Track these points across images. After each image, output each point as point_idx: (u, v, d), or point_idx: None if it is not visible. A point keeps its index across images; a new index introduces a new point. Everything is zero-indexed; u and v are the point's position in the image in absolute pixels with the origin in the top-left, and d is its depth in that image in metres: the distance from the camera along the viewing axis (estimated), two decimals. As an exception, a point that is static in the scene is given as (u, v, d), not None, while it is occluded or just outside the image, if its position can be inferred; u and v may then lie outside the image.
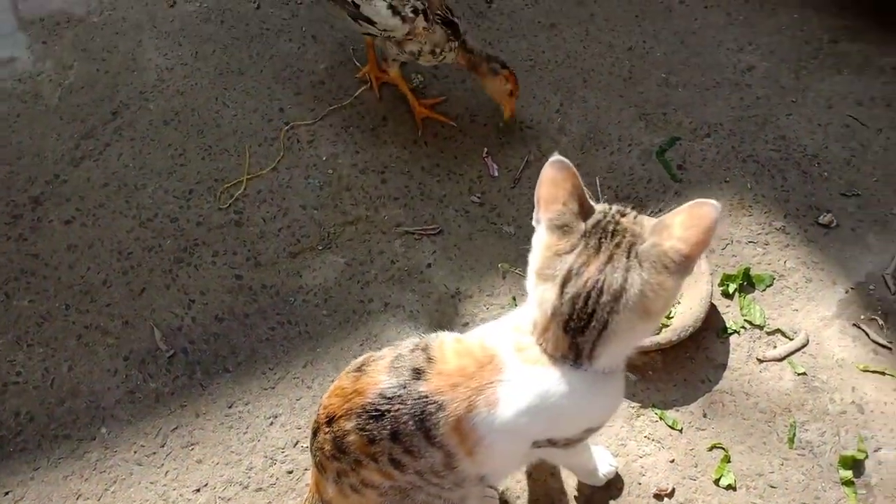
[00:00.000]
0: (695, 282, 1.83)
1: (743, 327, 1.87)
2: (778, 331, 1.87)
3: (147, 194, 2.10)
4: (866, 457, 1.71)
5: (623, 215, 1.16)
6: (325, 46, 2.37)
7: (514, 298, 1.92)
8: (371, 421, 1.21)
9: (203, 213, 2.07)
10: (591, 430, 1.32)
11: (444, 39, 1.99)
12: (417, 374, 1.21)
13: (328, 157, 2.16)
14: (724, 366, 1.83)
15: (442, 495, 1.30)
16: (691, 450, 1.72)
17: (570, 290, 1.12)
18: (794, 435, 1.74)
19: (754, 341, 1.86)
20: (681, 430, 1.75)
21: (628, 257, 1.11)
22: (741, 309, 1.90)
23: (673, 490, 1.68)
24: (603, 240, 1.12)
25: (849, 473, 1.68)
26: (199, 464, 1.73)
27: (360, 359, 1.31)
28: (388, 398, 1.21)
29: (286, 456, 1.73)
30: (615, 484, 1.67)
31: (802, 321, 1.89)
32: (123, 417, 1.79)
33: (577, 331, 1.13)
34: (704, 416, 1.77)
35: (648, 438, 1.74)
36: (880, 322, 1.88)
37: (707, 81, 2.30)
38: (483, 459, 1.23)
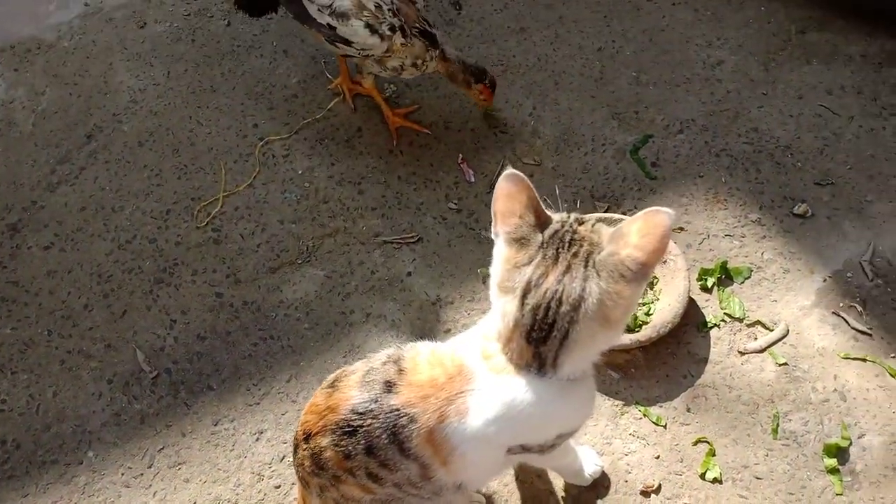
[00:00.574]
0: (672, 278, 1.84)
1: (723, 321, 1.88)
2: (758, 322, 1.88)
3: (125, 216, 2.10)
4: (850, 444, 1.72)
5: (581, 223, 1.16)
6: (296, 60, 2.38)
7: (495, 303, 1.93)
8: (345, 437, 1.22)
9: (181, 232, 2.07)
10: (564, 436, 1.32)
11: (423, 50, 1.99)
12: (388, 386, 1.22)
13: (304, 171, 2.16)
14: (705, 360, 1.84)
15: (424, 505, 1.31)
16: (676, 445, 1.73)
17: (531, 301, 1.12)
18: (778, 425, 1.75)
19: (735, 334, 1.87)
20: (665, 426, 1.76)
21: (586, 267, 1.11)
22: (720, 302, 1.91)
23: (659, 486, 1.68)
24: (560, 250, 1.13)
25: (833, 461, 1.69)
26: (186, 483, 1.73)
27: (334, 374, 1.31)
28: (361, 413, 1.21)
29: (273, 471, 1.73)
30: (602, 483, 1.68)
31: (782, 312, 1.90)
32: (110, 440, 1.79)
33: (540, 341, 1.14)
34: (688, 410, 1.77)
35: (633, 436, 1.75)
36: (859, 309, 1.89)
37: (677, 78, 2.31)
38: (458, 469, 1.23)
